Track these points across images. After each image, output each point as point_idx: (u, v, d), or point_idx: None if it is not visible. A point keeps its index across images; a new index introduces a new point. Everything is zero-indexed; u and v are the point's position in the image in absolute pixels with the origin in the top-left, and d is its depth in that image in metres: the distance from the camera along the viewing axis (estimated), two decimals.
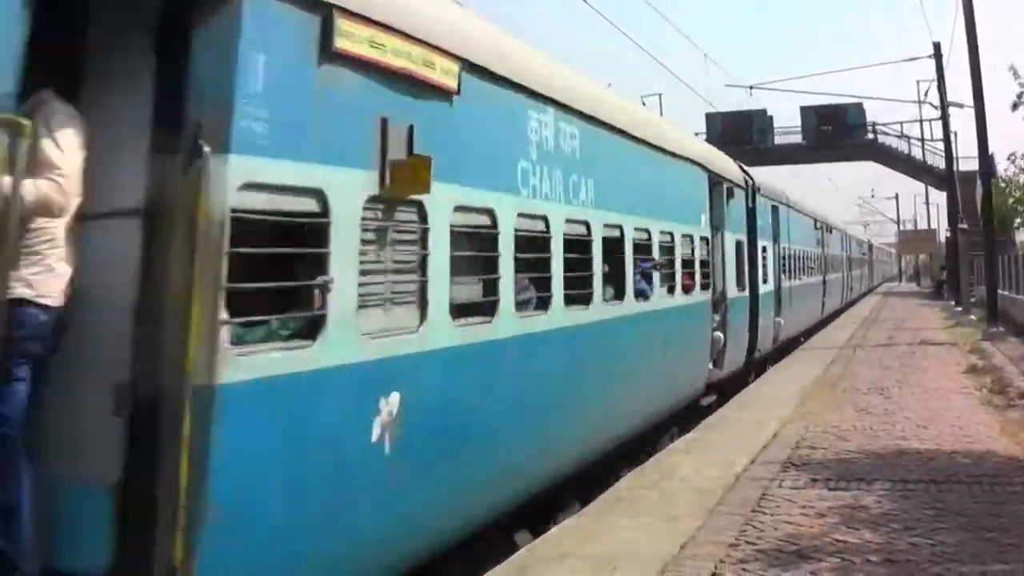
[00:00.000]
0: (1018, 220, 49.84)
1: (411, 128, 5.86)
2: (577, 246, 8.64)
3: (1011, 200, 47.53)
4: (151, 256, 4.67)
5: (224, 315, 4.46)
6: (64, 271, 4.64)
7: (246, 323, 4.70)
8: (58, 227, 4.59)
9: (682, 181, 13.14)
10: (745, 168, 18.75)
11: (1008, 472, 8.93)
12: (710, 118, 54.32)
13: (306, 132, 5.03)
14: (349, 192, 5.30)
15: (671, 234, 11.92)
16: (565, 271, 8.21)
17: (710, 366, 14.25)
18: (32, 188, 4.42)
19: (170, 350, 4.45)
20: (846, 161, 62.69)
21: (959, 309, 33.51)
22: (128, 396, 4.52)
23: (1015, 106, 23.79)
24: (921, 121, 53.68)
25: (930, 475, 8.88)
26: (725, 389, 15.33)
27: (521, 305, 7.52)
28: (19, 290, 4.48)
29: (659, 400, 11.57)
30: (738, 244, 16.80)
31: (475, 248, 6.98)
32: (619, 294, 9.90)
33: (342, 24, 5.21)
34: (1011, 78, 24.68)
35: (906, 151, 56.83)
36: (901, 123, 58.41)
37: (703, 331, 13.89)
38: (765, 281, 19.17)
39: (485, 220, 7.00)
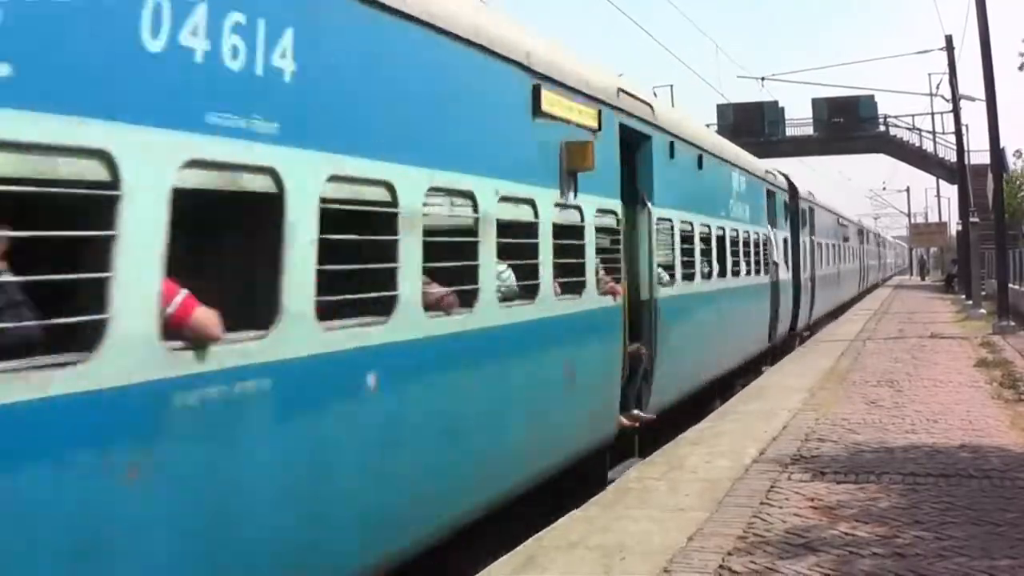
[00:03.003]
0: None
1: None
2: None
3: (1021, 194, 47.37)
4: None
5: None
6: None
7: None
8: None
9: None
10: None
11: (1018, 466, 8.90)
12: (721, 109, 54.18)
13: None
14: None
15: None
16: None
17: None
18: None
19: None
20: (857, 153, 62.50)
21: (969, 303, 33.38)
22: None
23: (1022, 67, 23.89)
24: (932, 114, 53.39)
25: (939, 469, 8.86)
26: None
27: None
28: None
29: None
30: None
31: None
32: None
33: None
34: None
35: (917, 144, 56.60)
36: (913, 116, 57.94)
37: None
38: None
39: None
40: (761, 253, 17.93)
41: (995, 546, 6.51)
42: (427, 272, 5.98)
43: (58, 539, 3.57)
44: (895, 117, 57.48)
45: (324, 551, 5.06)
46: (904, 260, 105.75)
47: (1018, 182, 47.84)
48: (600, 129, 9.01)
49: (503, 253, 7.10)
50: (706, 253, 13.54)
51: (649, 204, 10.89)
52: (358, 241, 5.34)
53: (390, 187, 5.62)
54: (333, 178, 5.08)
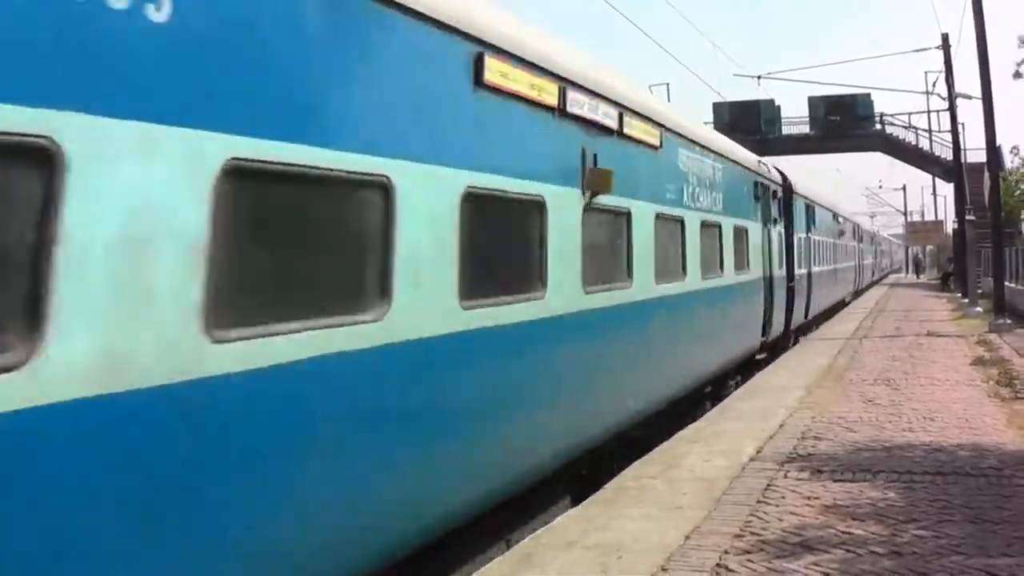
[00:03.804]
0: None
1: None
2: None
3: (1018, 192, 47.42)
4: None
5: None
6: None
7: None
8: None
9: None
10: None
11: (1014, 464, 8.91)
12: (718, 107, 54.18)
13: None
14: None
15: None
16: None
17: None
18: None
19: None
20: (854, 151, 62.44)
21: (966, 300, 33.43)
22: None
23: (1016, 75, 23.91)
24: (929, 112, 53.35)
25: (936, 467, 8.87)
26: None
27: None
28: None
29: None
30: None
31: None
32: None
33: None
34: (1016, 46, 24.65)
35: (914, 142, 56.63)
36: (909, 114, 57.96)
37: None
38: None
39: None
40: None
41: (992, 544, 6.52)
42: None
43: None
44: (892, 115, 57.54)
45: None
46: (891, 261, 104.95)
47: (1014, 180, 47.90)
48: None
49: None
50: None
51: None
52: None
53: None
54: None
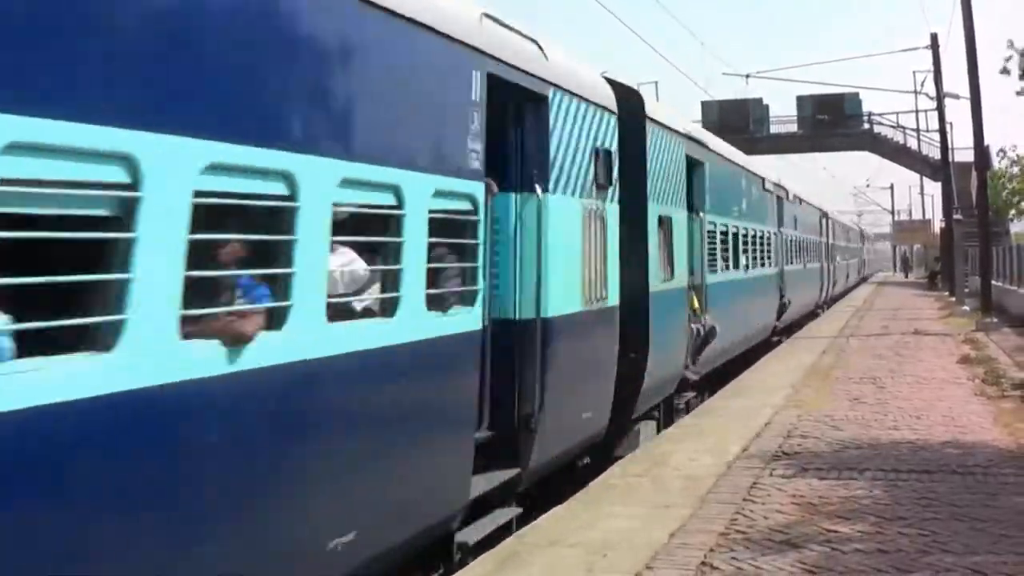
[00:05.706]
0: (1013, 211, 49.97)
1: None
2: None
3: (1005, 192, 47.65)
4: None
5: None
6: None
7: None
8: None
9: None
10: None
11: (1000, 462, 8.93)
12: (706, 106, 54.21)
13: None
14: None
15: None
16: None
17: None
18: None
19: None
20: (842, 151, 62.67)
21: (953, 299, 33.54)
22: None
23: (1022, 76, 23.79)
24: (917, 112, 53.57)
25: (922, 465, 8.86)
26: None
27: None
28: None
29: None
30: None
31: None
32: None
33: None
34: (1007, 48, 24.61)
35: (902, 141, 56.82)
36: (897, 113, 58.23)
37: None
38: None
39: None
40: None
41: (977, 542, 6.51)
42: None
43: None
44: (880, 115, 57.70)
45: None
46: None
47: (1001, 180, 48.13)
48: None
49: None
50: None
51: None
52: None
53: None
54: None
